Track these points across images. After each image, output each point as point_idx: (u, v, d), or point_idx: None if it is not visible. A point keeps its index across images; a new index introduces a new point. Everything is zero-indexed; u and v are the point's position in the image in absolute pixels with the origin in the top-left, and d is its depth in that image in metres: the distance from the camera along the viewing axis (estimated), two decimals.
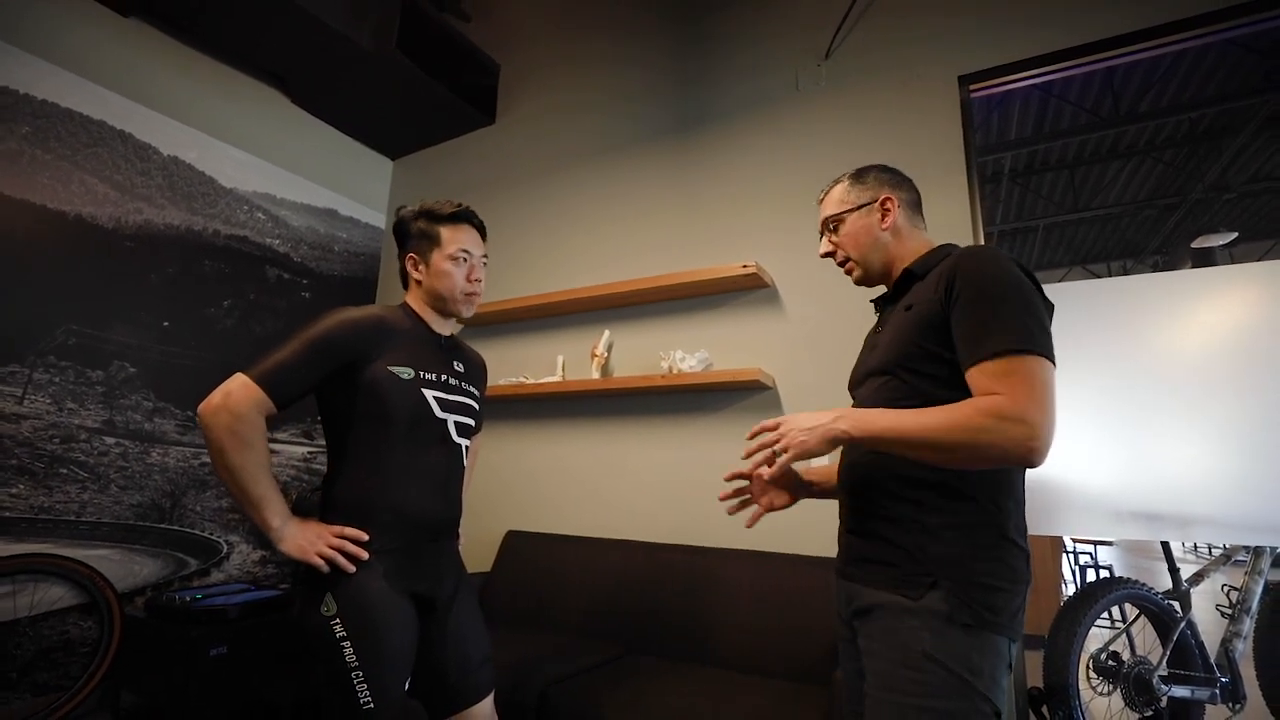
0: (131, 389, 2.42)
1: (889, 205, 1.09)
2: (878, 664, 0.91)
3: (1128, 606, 2.32)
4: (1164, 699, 2.03)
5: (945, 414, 0.84)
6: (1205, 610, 2.70)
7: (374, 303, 3.39)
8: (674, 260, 2.53)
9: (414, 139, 3.44)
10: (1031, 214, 7.35)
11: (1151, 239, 8.27)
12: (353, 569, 1.14)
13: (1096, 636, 2.24)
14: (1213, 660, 2.14)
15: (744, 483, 1.16)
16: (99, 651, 2.12)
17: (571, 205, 2.91)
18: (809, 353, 2.20)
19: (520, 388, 2.60)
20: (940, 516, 0.91)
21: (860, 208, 1.10)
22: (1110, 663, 2.11)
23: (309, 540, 1.13)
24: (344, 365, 1.19)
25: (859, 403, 1.08)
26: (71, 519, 2.22)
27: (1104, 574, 5.60)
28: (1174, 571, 2.30)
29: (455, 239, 1.33)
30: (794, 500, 1.16)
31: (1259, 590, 2.21)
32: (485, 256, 1.39)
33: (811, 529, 2.03)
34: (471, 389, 1.39)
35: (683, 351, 2.32)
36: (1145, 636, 2.20)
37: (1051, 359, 0.84)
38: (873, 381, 1.04)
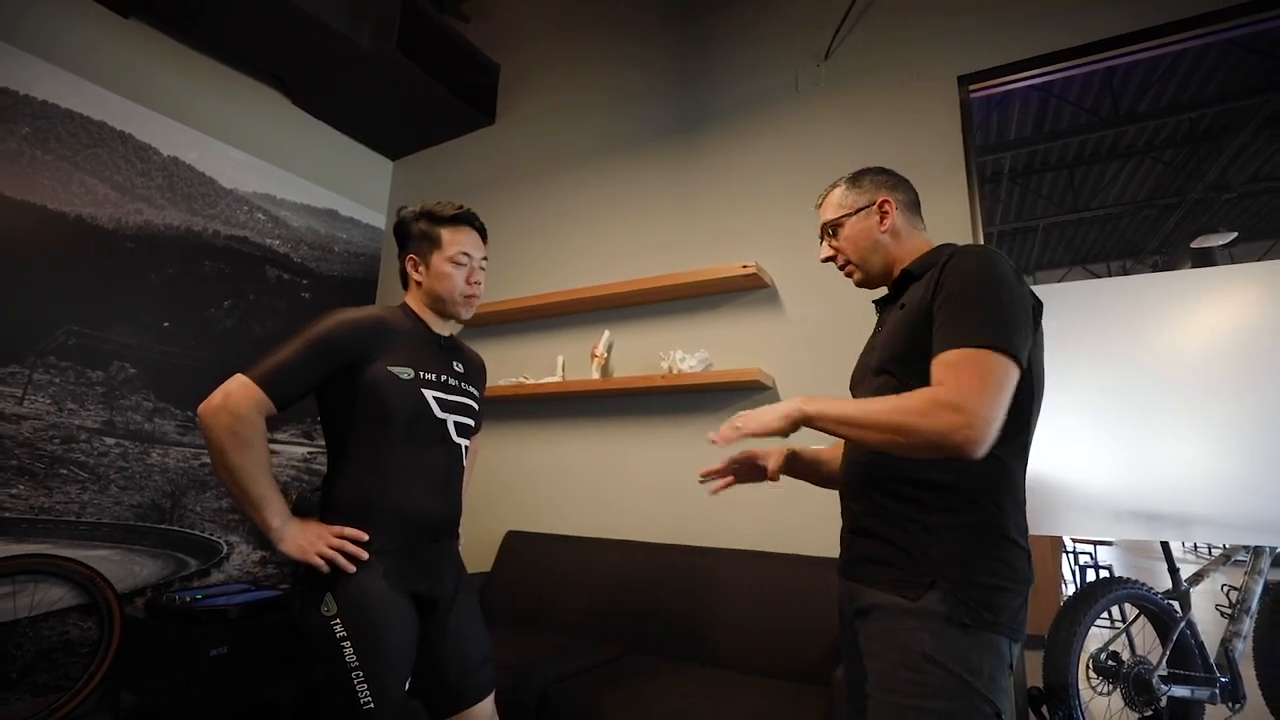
0: (131, 389, 2.42)
1: (887, 208, 1.09)
2: (878, 664, 0.91)
3: (1127, 606, 2.32)
4: (1164, 699, 2.03)
5: (893, 400, 0.87)
6: (1205, 610, 2.70)
7: (374, 303, 3.39)
8: (674, 260, 2.53)
9: (414, 139, 3.44)
10: (1031, 214, 7.35)
11: (1151, 239, 8.27)
12: (353, 569, 1.14)
13: (1096, 636, 2.24)
14: (1212, 660, 2.14)
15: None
16: (99, 652, 2.12)
17: (571, 205, 2.91)
18: (809, 353, 2.20)
19: (520, 388, 2.60)
20: (940, 516, 0.91)
21: (858, 211, 1.11)
22: (1110, 662, 2.11)
23: (309, 540, 1.13)
24: (344, 366, 1.19)
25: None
26: (71, 519, 2.22)
27: (1104, 574, 5.60)
28: (1174, 571, 2.31)
29: (456, 241, 1.33)
30: (771, 473, 1.18)
31: (1259, 590, 2.21)
32: (485, 259, 1.40)
33: (812, 529, 2.03)
34: (471, 389, 1.40)
35: (683, 352, 2.32)
36: (1145, 636, 2.20)
37: (1013, 356, 0.84)
38: (870, 380, 1.05)
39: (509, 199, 3.11)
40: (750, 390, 2.26)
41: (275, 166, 3.02)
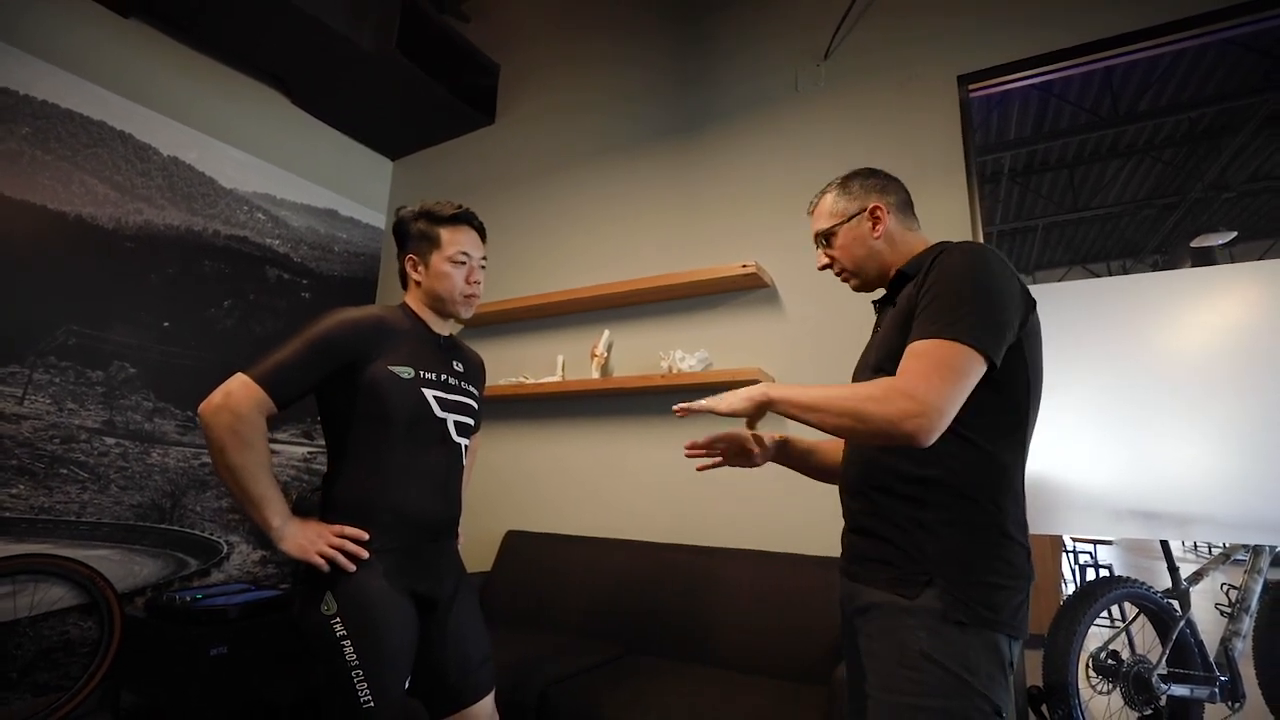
0: (131, 389, 2.42)
1: (879, 213, 1.08)
2: (876, 663, 0.92)
3: (1127, 605, 2.32)
4: (1163, 698, 2.03)
5: (852, 387, 0.90)
6: (1204, 609, 2.71)
7: (374, 303, 3.39)
8: (674, 260, 2.54)
9: (414, 139, 3.44)
10: (1031, 214, 7.35)
11: (1151, 238, 8.27)
12: (353, 568, 1.14)
13: (1096, 635, 2.24)
14: (1212, 659, 2.14)
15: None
16: (99, 652, 2.12)
17: (571, 205, 2.91)
18: (809, 352, 2.20)
19: (520, 387, 2.60)
20: (937, 514, 0.91)
21: (850, 219, 1.10)
22: (1110, 661, 2.11)
23: (309, 539, 1.13)
24: (344, 365, 1.19)
25: None
26: (71, 519, 2.23)
27: (1103, 573, 5.61)
28: (1173, 570, 2.31)
29: (455, 241, 1.33)
30: (759, 459, 1.21)
31: (1258, 589, 2.21)
32: (484, 258, 1.40)
33: (813, 529, 2.03)
34: (471, 389, 1.40)
35: (682, 351, 2.32)
36: (1145, 635, 2.20)
37: (982, 350, 0.84)
38: (868, 379, 1.05)
39: (509, 199, 3.11)
40: None
41: (275, 166, 3.02)
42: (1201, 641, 2.16)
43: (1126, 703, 2.05)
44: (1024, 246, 8.54)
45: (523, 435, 2.78)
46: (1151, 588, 2.22)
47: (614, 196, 2.79)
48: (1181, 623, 2.14)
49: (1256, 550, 2.24)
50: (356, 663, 1.10)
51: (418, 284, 1.35)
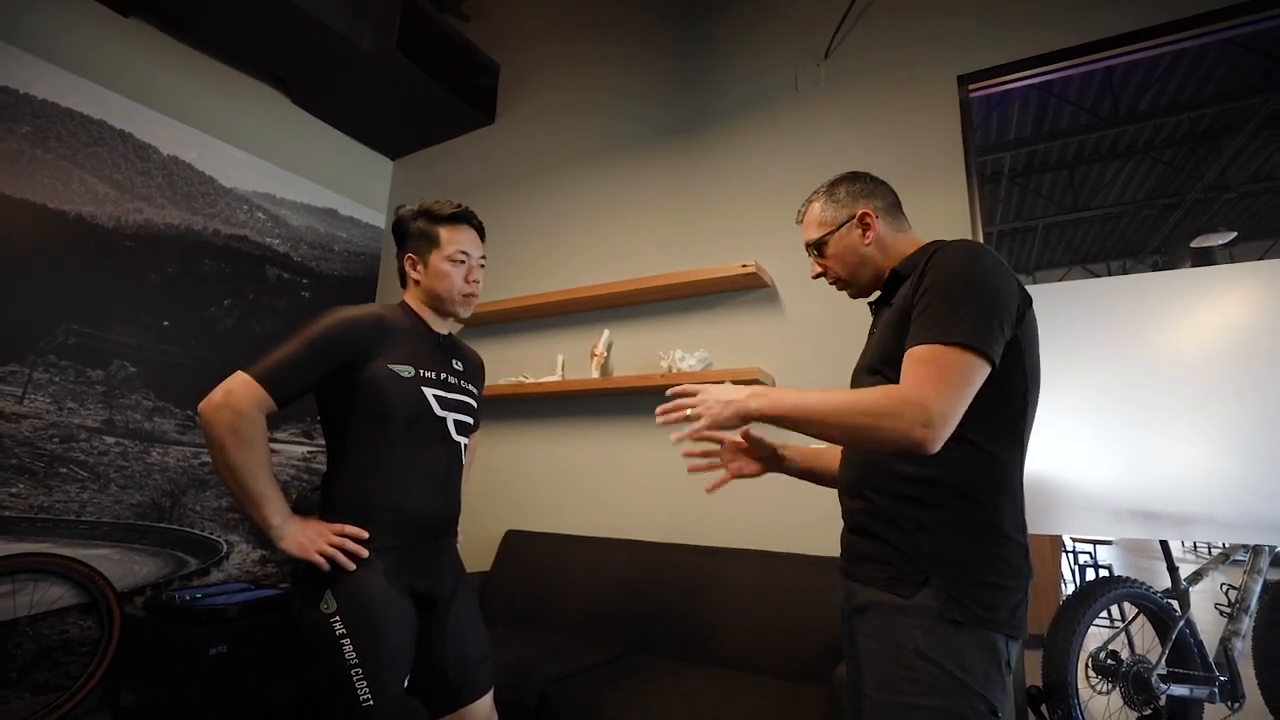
0: (131, 388, 2.42)
1: (868, 220, 1.08)
2: (873, 662, 0.92)
3: (1127, 605, 2.32)
4: (1163, 698, 2.03)
5: (851, 395, 0.88)
6: (1204, 609, 2.71)
7: (374, 302, 3.39)
8: (674, 260, 2.54)
9: (414, 139, 3.44)
10: (1031, 214, 7.35)
11: (1151, 239, 8.28)
12: (353, 567, 1.14)
13: (1095, 635, 2.25)
14: (1211, 659, 2.14)
15: (714, 446, 1.19)
16: (99, 651, 2.12)
17: (571, 205, 2.91)
18: (809, 352, 2.20)
19: (520, 387, 2.60)
20: (934, 513, 0.91)
21: (840, 227, 1.10)
22: (1109, 661, 2.11)
23: (309, 538, 1.13)
24: (344, 364, 1.19)
25: None
26: (71, 518, 2.22)
27: (1103, 573, 5.61)
28: (1173, 570, 2.31)
29: (454, 240, 1.33)
30: (763, 470, 1.20)
31: (1258, 589, 2.21)
32: (484, 258, 1.40)
33: (813, 529, 2.03)
34: (470, 387, 1.40)
35: (682, 351, 2.32)
36: (1144, 635, 2.20)
37: (984, 353, 0.84)
38: (865, 380, 1.05)
39: (509, 198, 3.12)
40: None
41: (275, 166, 3.02)
42: (1201, 641, 2.16)
43: (1126, 703, 2.05)
44: (1024, 247, 8.54)
45: (523, 435, 2.78)
46: (1151, 588, 2.22)
47: (614, 196, 2.79)
48: (1181, 623, 2.14)
49: (1256, 550, 2.24)
50: (356, 661, 1.10)
51: (417, 283, 1.35)
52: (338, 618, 1.12)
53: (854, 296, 1.16)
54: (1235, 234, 6.98)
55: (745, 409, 0.94)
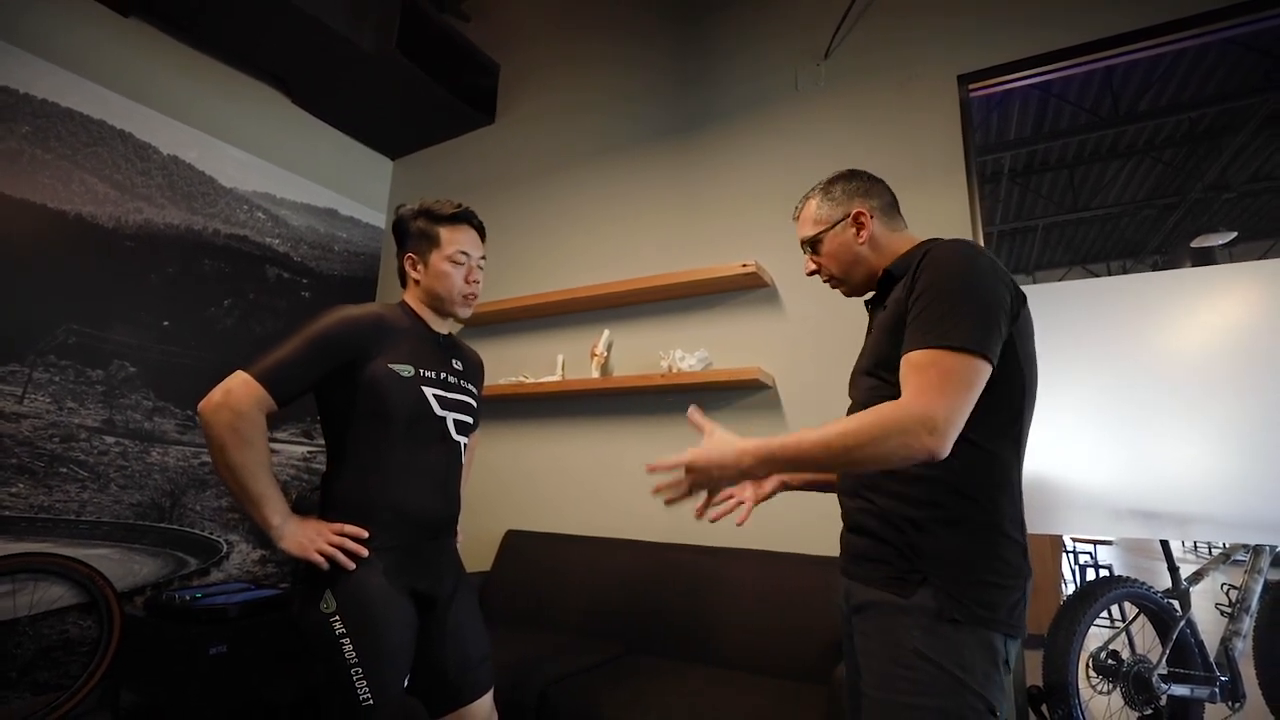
0: (131, 388, 2.42)
1: (862, 219, 1.08)
2: (871, 662, 0.92)
3: (1127, 605, 2.32)
4: (1163, 697, 2.03)
5: (847, 424, 0.84)
6: (1205, 609, 2.71)
7: (374, 302, 3.39)
8: (674, 259, 2.53)
9: (414, 139, 3.44)
10: (1031, 214, 7.35)
11: (1151, 239, 8.27)
12: (353, 566, 1.14)
13: (1096, 635, 2.24)
14: (1212, 659, 2.14)
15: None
16: (99, 650, 2.12)
17: (571, 205, 2.91)
18: (809, 351, 2.20)
19: (520, 387, 2.60)
20: (933, 513, 0.91)
21: (835, 225, 1.10)
22: (1110, 661, 2.11)
23: (309, 538, 1.13)
24: (344, 363, 1.19)
25: (853, 403, 1.08)
26: (71, 518, 2.22)
27: (1103, 573, 5.60)
28: (1173, 570, 2.30)
29: (454, 240, 1.33)
30: (777, 488, 1.25)
31: (1258, 589, 2.21)
32: (484, 258, 1.40)
33: (814, 529, 2.03)
34: (470, 387, 1.40)
35: (682, 351, 2.32)
36: (1145, 635, 2.20)
37: (982, 354, 0.83)
38: (861, 383, 1.05)
39: (509, 198, 3.11)
40: (750, 389, 2.26)
41: (275, 165, 3.02)
42: (1202, 641, 2.16)
43: (1127, 702, 2.05)
44: (1024, 247, 8.53)
45: (523, 435, 2.77)
46: (1151, 588, 2.22)
47: (614, 196, 2.79)
48: (1182, 623, 2.14)
49: (1257, 550, 2.24)
50: (356, 660, 1.10)
51: (417, 282, 1.35)
52: (337, 617, 1.12)
53: (848, 295, 1.16)
54: (1235, 234, 6.97)
55: (743, 469, 0.90)
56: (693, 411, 1.01)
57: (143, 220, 2.50)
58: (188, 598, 2.15)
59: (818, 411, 2.13)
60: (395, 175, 3.64)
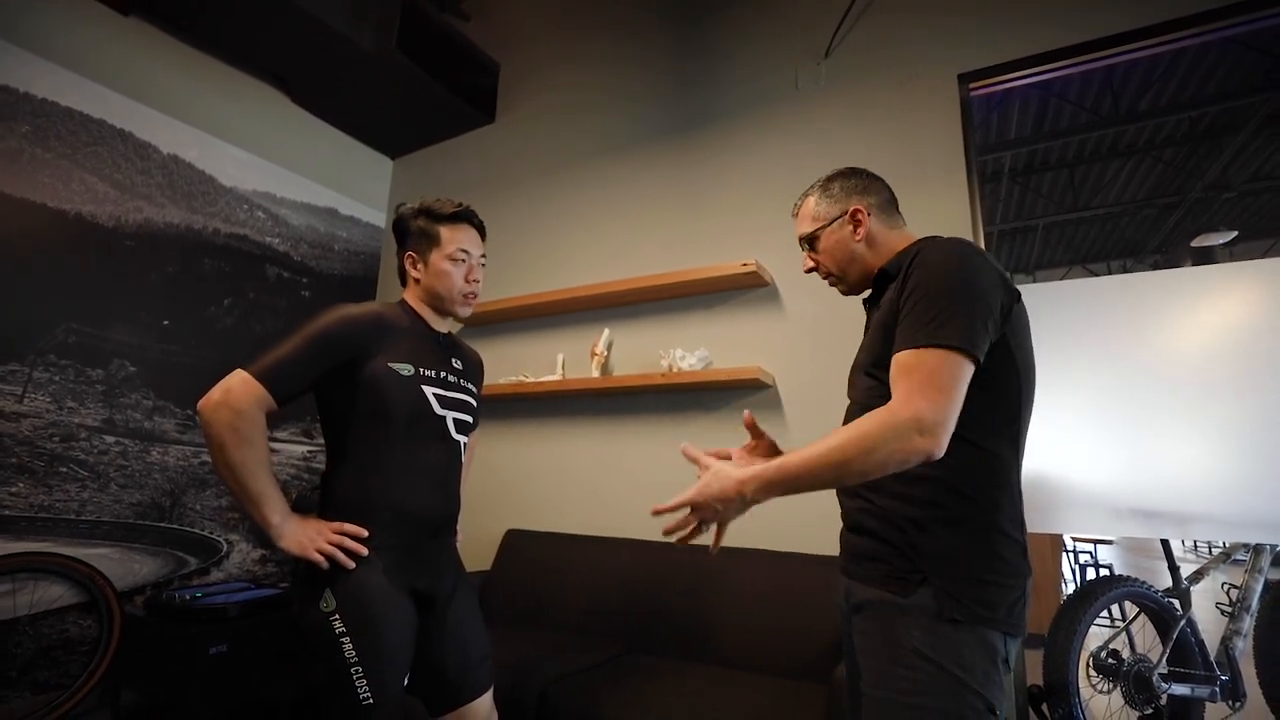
0: (131, 387, 2.42)
1: (860, 216, 1.08)
2: (871, 661, 0.92)
3: (1128, 604, 2.31)
4: (1164, 697, 2.03)
5: (840, 437, 0.84)
6: (1205, 608, 2.70)
7: (374, 301, 3.39)
8: (674, 259, 2.53)
9: (414, 138, 3.44)
10: (1031, 213, 7.34)
11: (1151, 238, 8.27)
12: (352, 565, 1.14)
13: (1096, 635, 2.24)
14: (1213, 658, 2.13)
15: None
16: (99, 650, 2.12)
17: (572, 204, 2.91)
18: (809, 351, 2.20)
19: (520, 386, 2.60)
20: (932, 512, 0.91)
21: (832, 222, 1.10)
22: (1110, 661, 2.11)
23: (309, 537, 1.13)
24: (344, 362, 1.19)
25: (851, 403, 1.08)
26: (71, 517, 2.22)
27: (1104, 572, 5.60)
28: (1174, 569, 2.30)
29: (454, 239, 1.33)
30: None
31: (1259, 588, 2.21)
32: (484, 257, 1.40)
33: (814, 528, 2.03)
34: (469, 386, 1.40)
35: (682, 350, 2.32)
36: (1145, 634, 2.20)
37: (968, 352, 0.83)
38: (859, 382, 1.05)
39: (509, 197, 3.11)
40: (750, 389, 2.26)
41: (275, 165, 3.02)
42: (1202, 641, 2.16)
43: (1127, 702, 2.05)
44: (1024, 246, 8.53)
45: (523, 434, 2.77)
46: (1152, 587, 2.22)
47: (614, 196, 2.79)
48: (1182, 622, 2.14)
49: (1257, 549, 2.23)
50: (355, 659, 1.10)
51: (417, 281, 1.35)
52: (337, 616, 1.11)
53: (845, 293, 1.16)
54: (1236, 233, 6.97)
55: (744, 500, 0.90)
56: (686, 447, 1.01)
57: (143, 219, 2.50)
58: (188, 597, 2.15)
59: (818, 411, 2.13)
60: (395, 174, 3.64)
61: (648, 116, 2.79)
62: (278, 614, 2.22)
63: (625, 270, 2.61)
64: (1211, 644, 2.18)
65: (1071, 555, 6.16)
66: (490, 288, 2.93)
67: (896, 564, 0.92)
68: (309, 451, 3.05)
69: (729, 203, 2.49)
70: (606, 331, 2.56)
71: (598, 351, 2.52)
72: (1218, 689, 2.06)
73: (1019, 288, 0.99)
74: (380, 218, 3.54)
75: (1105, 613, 2.33)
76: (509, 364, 2.83)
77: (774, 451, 1.20)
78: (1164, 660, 2.07)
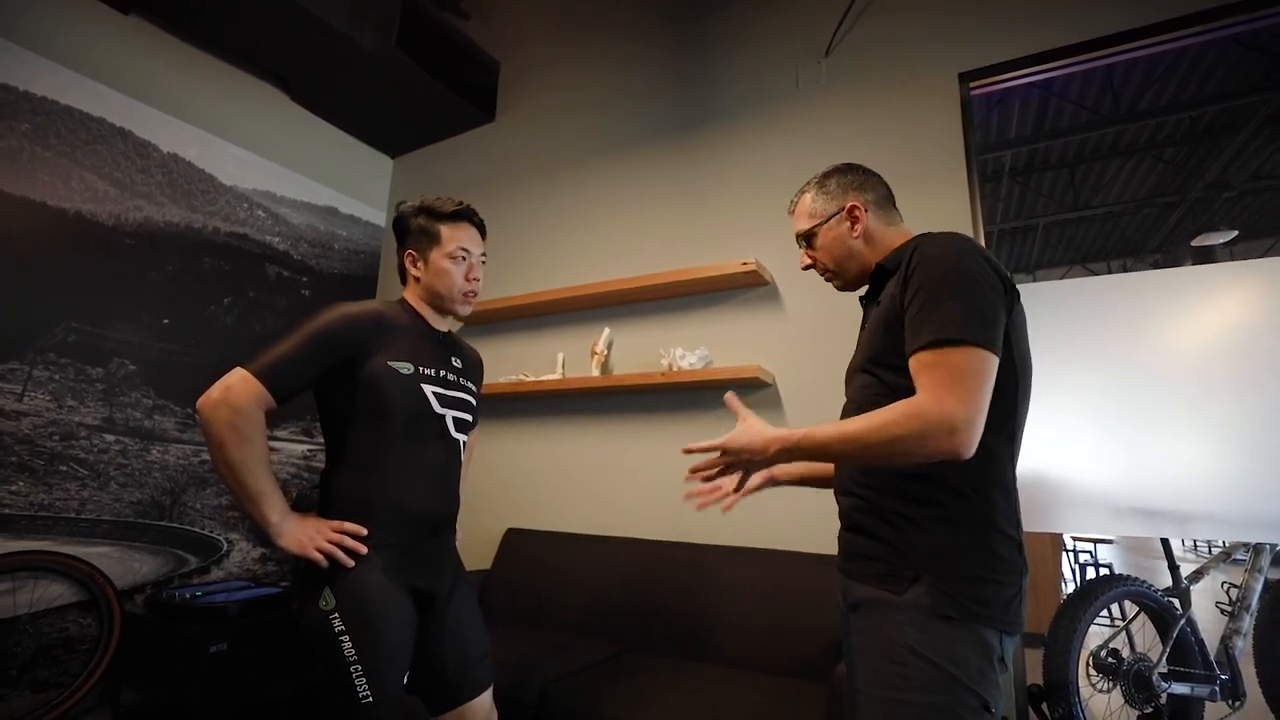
0: (131, 386, 2.42)
1: (857, 213, 1.08)
2: (866, 659, 0.92)
3: (1127, 604, 2.31)
4: (1164, 696, 2.02)
5: (869, 420, 0.86)
6: (1205, 608, 2.70)
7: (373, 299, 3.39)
8: (674, 258, 2.53)
9: (414, 137, 3.44)
10: (1031, 213, 7.34)
11: (1152, 237, 8.27)
12: (351, 563, 1.14)
13: (1096, 634, 2.24)
14: (1212, 657, 2.13)
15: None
16: (99, 649, 2.12)
17: (572, 203, 2.91)
18: (809, 349, 2.20)
19: (520, 385, 2.60)
20: (926, 509, 0.91)
21: (829, 219, 1.10)
22: (1110, 660, 2.10)
23: (308, 535, 1.13)
24: (343, 360, 1.19)
25: (848, 400, 1.08)
26: (71, 516, 2.22)
27: (1103, 572, 5.60)
28: (1174, 569, 2.30)
29: (455, 237, 1.33)
30: (766, 481, 1.22)
31: (1259, 588, 2.21)
32: (484, 255, 1.40)
33: (814, 527, 2.03)
34: (469, 385, 1.40)
35: (683, 349, 2.32)
36: (1145, 634, 2.20)
37: (988, 346, 0.84)
38: (857, 379, 1.05)
39: (509, 196, 3.11)
40: (750, 387, 2.26)
41: (275, 164, 3.02)
42: (1202, 640, 2.16)
43: (1127, 701, 2.04)
44: (1024, 246, 8.53)
45: (523, 433, 2.77)
46: (1152, 586, 2.22)
47: (614, 194, 2.79)
48: (1182, 621, 2.13)
49: (1257, 549, 2.23)
50: (355, 658, 1.10)
51: (417, 280, 1.35)
52: (336, 614, 1.11)
53: (841, 289, 1.16)
54: (1236, 233, 6.97)
55: (769, 455, 0.95)
56: (730, 397, 1.05)
57: (142, 218, 2.50)
58: (188, 596, 2.15)
59: (817, 409, 2.13)
60: (395, 173, 3.63)
61: (648, 115, 2.79)
62: (278, 613, 2.22)
63: (625, 269, 2.61)
64: (1211, 643, 2.18)
65: (1071, 554, 6.16)
66: (490, 286, 2.93)
67: (891, 562, 0.92)
68: (309, 450, 3.05)
69: (729, 202, 2.49)
70: (606, 330, 2.56)
71: (598, 350, 2.52)
72: (1217, 688, 2.06)
73: (1018, 287, 0.99)
74: (380, 217, 3.54)
75: (1105, 612, 2.33)
76: (509, 363, 2.83)
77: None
78: (1164, 659, 2.07)
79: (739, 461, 0.98)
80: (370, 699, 1.09)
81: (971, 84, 2.11)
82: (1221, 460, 1.79)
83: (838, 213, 1.09)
